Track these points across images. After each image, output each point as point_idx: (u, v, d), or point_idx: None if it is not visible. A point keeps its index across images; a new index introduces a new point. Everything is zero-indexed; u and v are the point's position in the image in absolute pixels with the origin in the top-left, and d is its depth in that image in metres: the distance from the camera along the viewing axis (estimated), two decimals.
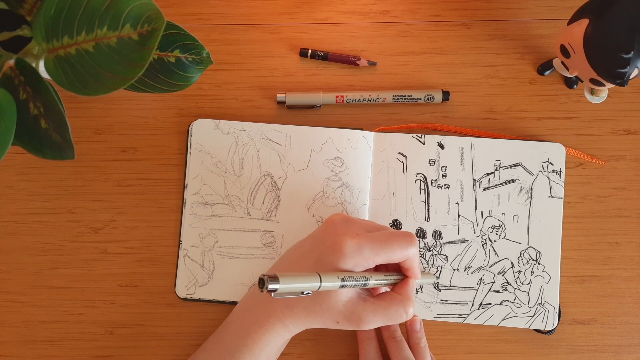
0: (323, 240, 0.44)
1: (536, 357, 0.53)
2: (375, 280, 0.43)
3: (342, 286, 0.40)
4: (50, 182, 0.54)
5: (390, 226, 0.53)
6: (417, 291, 0.52)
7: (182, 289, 0.52)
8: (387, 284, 0.45)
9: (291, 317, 0.44)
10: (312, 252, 0.45)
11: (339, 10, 0.55)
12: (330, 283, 0.39)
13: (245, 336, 0.45)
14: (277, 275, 0.36)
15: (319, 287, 0.39)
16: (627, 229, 0.54)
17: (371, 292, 0.46)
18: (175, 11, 0.55)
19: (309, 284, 0.38)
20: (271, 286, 0.36)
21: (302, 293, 0.38)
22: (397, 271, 0.47)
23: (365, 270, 0.44)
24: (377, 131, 0.54)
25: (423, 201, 0.53)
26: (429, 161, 0.53)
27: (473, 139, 0.53)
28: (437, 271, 0.52)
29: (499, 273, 0.52)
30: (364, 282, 0.42)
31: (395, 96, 0.53)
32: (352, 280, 0.41)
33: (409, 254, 0.44)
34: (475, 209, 0.53)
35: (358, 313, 0.43)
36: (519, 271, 0.52)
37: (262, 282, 0.36)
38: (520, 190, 0.53)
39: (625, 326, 0.53)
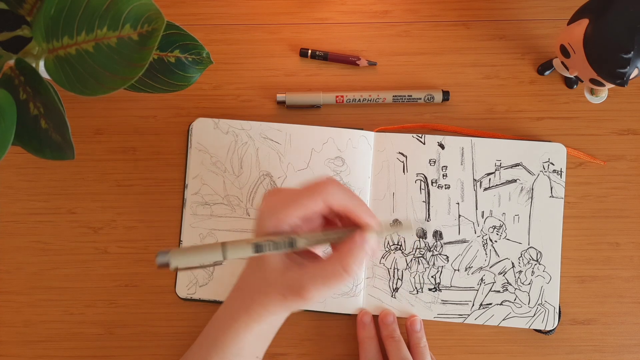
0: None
1: (536, 357, 0.53)
2: (306, 239, 0.38)
3: (257, 251, 0.37)
4: (50, 182, 0.54)
5: (390, 226, 0.51)
6: (417, 289, 0.52)
7: (183, 289, 0.52)
8: (327, 241, 0.39)
9: (251, 303, 0.41)
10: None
11: (339, 10, 0.55)
12: (238, 249, 0.37)
13: (215, 331, 0.43)
14: (170, 249, 0.35)
15: (223, 255, 0.36)
16: (627, 229, 0.54)
17: (317, 259, 0.42)
18: (175, 11, 0.55)
19: (208, 254, 0.36)
20: (160, 259, 0.35)
21: (215, 263, 0.37)
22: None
23: (312, 230, 0.40)
24: (377, 131, 0.54)
25: (423, 201, 0.53)
26: (430, 161, 0.53)
27: (473, 139, 0.53)
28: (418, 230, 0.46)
29: (500, 273, 0.52)
30: (287, 242, 0.38)
31: (395, 96, 0.53)
32: (270, 243, 0.37)
33: (323, 198, 0.38)
34: (476, 209, 0.53)
35: (298, 282, 0.38)
36: (520, 271, 0.52)
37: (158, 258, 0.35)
38: (521, 190, 0.53)
39: (625, 326, 0.53)
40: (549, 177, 0.53)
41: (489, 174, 0.53)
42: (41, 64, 0.40)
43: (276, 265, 0.39)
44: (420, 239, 0.53)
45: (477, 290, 0.52)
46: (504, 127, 0.54)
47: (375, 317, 0.52)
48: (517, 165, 0.53)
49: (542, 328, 0.52)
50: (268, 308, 0.41)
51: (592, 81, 0.47)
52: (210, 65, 0.45)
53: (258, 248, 0.37)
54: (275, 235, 0.38)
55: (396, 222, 0.52)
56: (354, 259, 0.37)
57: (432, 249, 0.53)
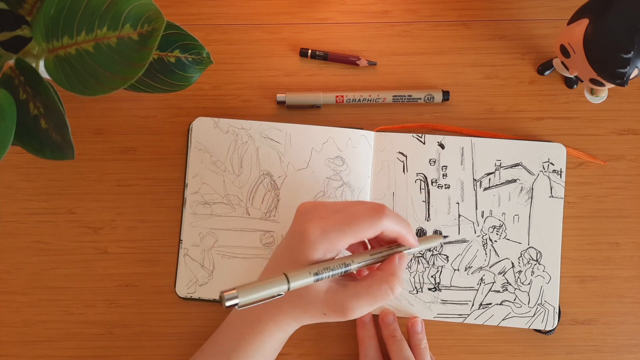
0: (293, 232, 0.42)
1: (536, 357, 0.53)
2: (358, 263, 0.41)
3: (318, 280, 0.38)
4: (50, 182, 0.54)
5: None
6: (416, 289, 0.52)
7: (183, 288, 0.52)
8: (373, 263, 0.42)
9: (281, 315, 0.43)
10: (286, 248, 0.43)
11: (339, 10, 0.55)
12: (301, 281, 0.37)
13: (238, 337, 0.45)
14: (236, 289, 0.35)
15: (288, 288, 0.37)
16: (627, 229, 0.54)
17: (354, 277, 0.44)
18: (175, 11, 0.55)
19: (274, 289, 0.36)
20: (228, 302, 0.35)
21: (275, 296, 0.37)
22: (391, 245, 0.43)
23: (352, 252, 0.42)
24: (377, 131, 0.54)
25: (423, 201, 0.53)
26: (430, 161, 0.53)
27: (473, 138, 0.53)
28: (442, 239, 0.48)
29: (500, 273, 0.52)
30: (343, 270, 0.39)
31: (395, 96, 0.53)
32: (328, 271, 0.39)
33: (381, 227, 0.40)
34: (476, 208, 0.53)
35: (341, 301, 0.40)
36: (520, 271, 0.52)
37: (221, 299, 0.35)
38: (521, 190, 0.53)
39: (625, 326, 0.53)
40: (548, 177, 0.53)
41: (489, 174, 0.53)
42: (41, 64, 0.40)
43: (319, 287, 0.40)
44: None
45: (477, 290, 0.52)
46: (504, 127, 0.54)
47: (375, 317, 0.52)
48: (517, 165, 0.53)
49: (541, 328, 0.52)
50: (301, 321, 0.43)
51: (592, 81, 0.47)
52: (210, 65, 0.45)
53: (317, 276, 0.38)
54: (329, 261, 0.40)
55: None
56: (398, 280, 0.40)
57: (431, 249, 0.53)
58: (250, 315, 0.45)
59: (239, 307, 0.35)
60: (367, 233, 0.40)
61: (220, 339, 0.47)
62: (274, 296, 0.37)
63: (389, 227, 0.40)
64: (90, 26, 0.36)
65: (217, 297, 0.52)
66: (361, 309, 0.40)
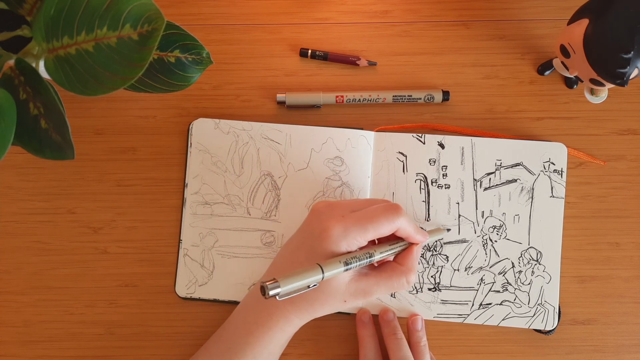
0: (311, 231, 0.44)
1: (536, 357, 0.53)
2: (380, 253, 0.44)
3: (347, 269, 0.41)
4: (50, 182, 0.54)
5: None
6: (416, 289, 0.52)
7: (182, 288, 0.52)
8: (392, 254, 0.45)
9: (296, 312, 0.44)
10: (303, 245, 0.44)
11: (339, 10, 0.55)
12: (334, 270, 0.40)
13: (247, 334, 0.45)
14: (277, 279, 0.37)
15: (322, 277, 0.39)
16: (627, 229, 0.54)
17: (372, 266, 0.47)
18: (175, 11, 0.55)
19: (311, 278, 0.38)
20: (272, 292, 0.36)
21: (309, 287, 0.39)
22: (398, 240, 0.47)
23: (368, 246, 0.44)
24: (377, 131, 0.54)
25: (423, 201, 0.53)
26: (430, 161, 0.53)
27: (474, 138, 0.53)
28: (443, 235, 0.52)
29: (500, 273, 0.52)
30: (368, 260, 0.42)
31: (395, 96, 0.53)
32: (356, 261, 0.41)
33: (397, 225, 0.44)
34: (476, 208, 0.53)
35: (362, 287, 0.44)
36: (520, 271, 0.52)
37: (263, 290, 0.36)
38: (522, 190, 0.53)
39: (625, 326, 0.53)
40: (549, 177, 0.53)
41: (489, 174, 0.53)
42: (41, 64, 0.40)
43: (342, 278, 0.43)
44: None
45: (477, 290, 0.52)
46: (504, 127, 0.54)
47: (375, 317, 0.52)
48: (517, 165, 0.53)
49: (541, 328, 0.52)
50: (316, 313, 0.45)
51: (592, 81, 0.47)
52: (210, 65, 0.45)
53: (347, 265, 0.41)
54: (354, 252, 0.43)
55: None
56: (415, 273, 0.45)
57: (431, 249, 0.53)
58: (260, 312, 0.45)
59: (279, 297, 0.37)
60: (384, 230, 0.43)
61: (226, 337, 0.47)
62: (309, 286, 0.39)
63: (403, 225, 0.44)
64: (90, 26, 0.36)
65: (217, 297, 0.52)
66: (379, 294, 0.45)
